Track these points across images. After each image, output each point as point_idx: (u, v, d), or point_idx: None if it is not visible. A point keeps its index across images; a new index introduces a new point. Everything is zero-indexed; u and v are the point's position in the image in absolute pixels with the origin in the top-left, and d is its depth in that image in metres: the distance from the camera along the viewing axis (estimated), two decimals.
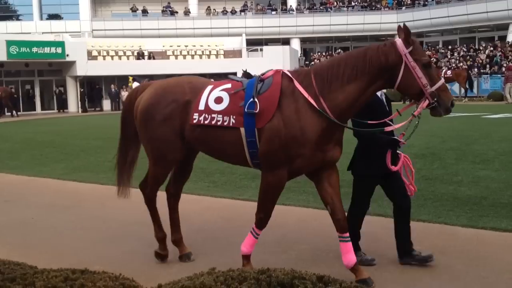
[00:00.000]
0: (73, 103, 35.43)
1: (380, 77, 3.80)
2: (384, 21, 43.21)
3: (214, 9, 44.94)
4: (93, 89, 36.25)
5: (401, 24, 3.82)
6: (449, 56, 37.37)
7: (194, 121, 4.13)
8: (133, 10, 44.28)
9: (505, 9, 36.56)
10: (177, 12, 44.37)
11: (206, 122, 4.07)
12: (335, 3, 45.47)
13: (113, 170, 8.56)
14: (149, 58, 37.22)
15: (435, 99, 3.73)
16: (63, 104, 35.56)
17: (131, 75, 24.78)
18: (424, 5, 42.35)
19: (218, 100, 4.11)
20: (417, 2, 43.31)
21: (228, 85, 4.18)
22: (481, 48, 36.84)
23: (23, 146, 14.09)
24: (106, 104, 35.82)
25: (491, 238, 4.86)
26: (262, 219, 4.05)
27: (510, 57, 33.57)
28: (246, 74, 4.35)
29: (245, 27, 42.50)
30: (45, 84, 36.08)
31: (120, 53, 37.43)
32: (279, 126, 3.83)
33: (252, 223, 4.08)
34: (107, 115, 28.60)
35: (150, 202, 4.63)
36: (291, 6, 45.16)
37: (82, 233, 5.57)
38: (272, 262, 4.11)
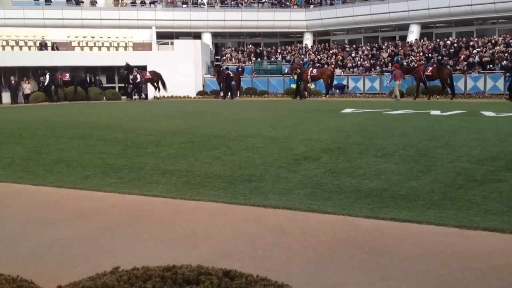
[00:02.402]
0: None
1: None
2: (293, 18, 44.31)
3: (122, 0, 43.67)
4: None
5: None
6: (353, 54, 38.93)
7: None
8: None
9: (405, 10, 38.79)
10: (83, 2, 42.60)
11: None
12: None
13: (12, 166, 8.00)
14: (53, 49, 35.58)
15: None
16: None
17: None
18: (331, 4, 43.76)
19: None
20: (324, 1, 44.68)
21: None
22: (383, 47, 38.73)
23: None
24: (5, 96, 33.81)
25: (391, 228, 5.10)
26: None
27: (410, 56, 35.57)
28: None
29: (155, 20, 41.65)
30: None
31: (21, 43, 35.54)
32: None
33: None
34: (5, 109, 26.97)
35: None
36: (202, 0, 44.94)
37: None
38: (182, 258, 4.07)
